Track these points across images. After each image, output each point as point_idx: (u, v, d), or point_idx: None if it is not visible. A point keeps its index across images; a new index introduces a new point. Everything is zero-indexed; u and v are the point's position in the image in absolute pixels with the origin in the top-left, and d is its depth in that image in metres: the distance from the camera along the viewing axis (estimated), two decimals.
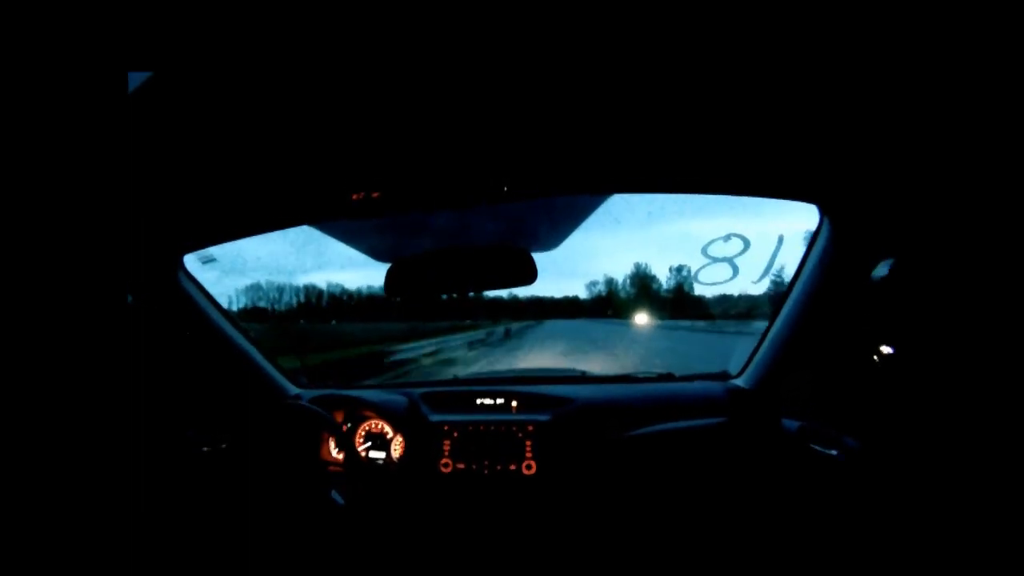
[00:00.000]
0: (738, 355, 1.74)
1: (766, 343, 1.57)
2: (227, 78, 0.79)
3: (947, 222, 1.01)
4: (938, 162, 0.97)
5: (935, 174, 0.99)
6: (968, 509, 0.97)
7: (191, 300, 1.58)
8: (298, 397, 1.83)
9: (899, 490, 1.10)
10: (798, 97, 0.87)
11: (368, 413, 1.70)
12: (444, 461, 1.57)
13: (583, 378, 1.91)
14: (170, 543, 1.38)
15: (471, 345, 19.83)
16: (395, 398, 1.74)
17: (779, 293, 1.52)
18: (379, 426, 1.70)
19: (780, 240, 1.64)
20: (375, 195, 1.25)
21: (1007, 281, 0.92)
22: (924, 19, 0.66)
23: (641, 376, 1.86)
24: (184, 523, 1.42)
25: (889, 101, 0.86)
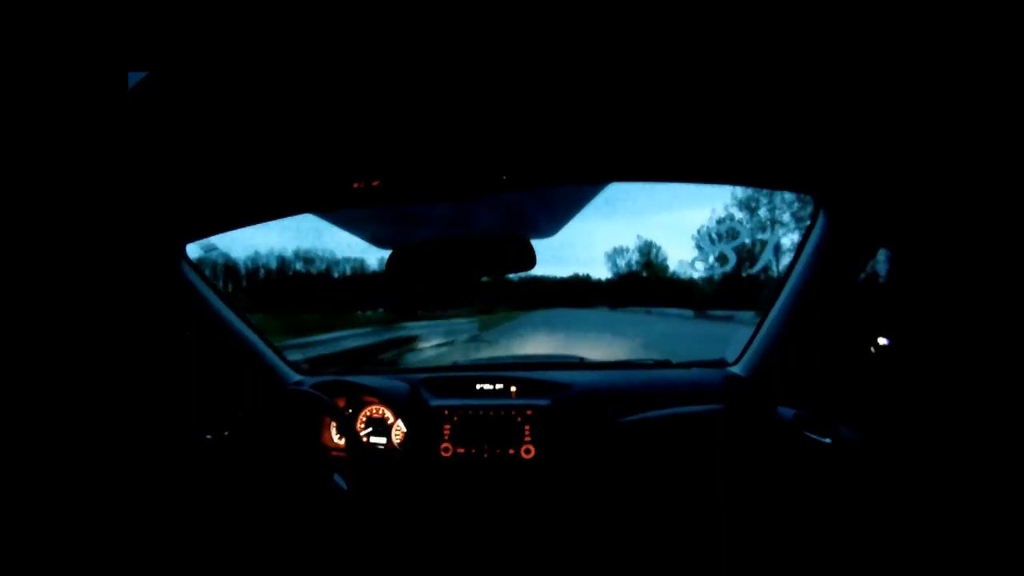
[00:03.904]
0: (735, 343, 1.76)
1: (762, 331, 1.59)
2: (228, 67, 0.80)
3: (944, 213, 1.01)
4: (935, 153, 0.97)
5: (932, 165, 1.00)
6: (962, 499, 0.99)
7: (194, 289, 1.59)
8: (300, 384, 1.85)
9: (893, 478, 1.12)
10: (795, 87, 0.87)
11: (369, 399, 1.72)
12: (444, 445, 1.60)
13: (582, 364, 1.93)
14: (174, 531, 1.40)
15: None
16: (396, 384, 1.76)
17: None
18: (380, 411, 1.72)
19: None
20: (376, 183, 1.26)
21: (1004, 274, 0.93)
22: (921, 10, 0.67)
23: (639, 363, 1.88)
24: (188, 511, 1.44)
25: (886, 92, 0.86)
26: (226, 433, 1.55)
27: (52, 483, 1.19)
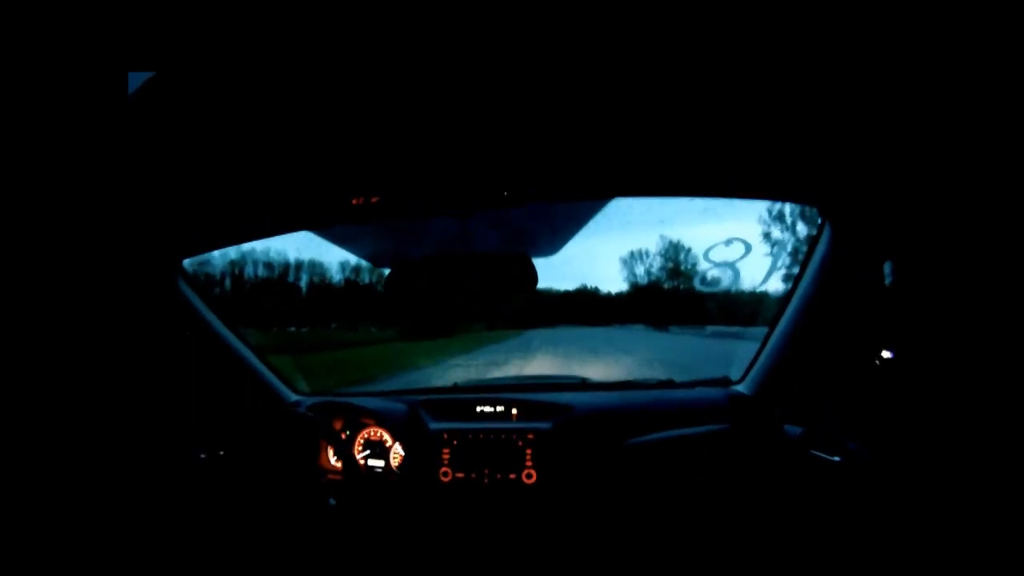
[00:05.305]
0: (739, 360, 1.73)
1: (767, 348, 1.56)
2: (227, 82, 0.79)
3: (949, 225, 1.00)
4: (940, 165, 0.97)
5: (937, 177, 0.99)
6: (969, 516, 0.96)
7: (190, 306, 1.57)
8: (297, 404, 1.82)
9: (901, 496, 1.09)
10: (798, 99, 0.87)
11: (367, 421, 1.69)
12: (444, 470, 1.56)
13: (583, 385, 1.90)
14: (167, 551, 1.36)
15: None
16: (394, 406, 1.73)
17: None
18: (378, 434, 1.69)
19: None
20: (374, 200, 1.25)
21: (1010, 286, 0.92)
22: (925, 19, 0.66)
23: (642, 383, 1.84)
24: (181, 532, 1.40)
25: (891, 104, 0.86)
26: (220, 452, 1.52)
27: (43, 496, 1.16)
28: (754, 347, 1.65)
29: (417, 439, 1.63)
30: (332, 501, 1.44)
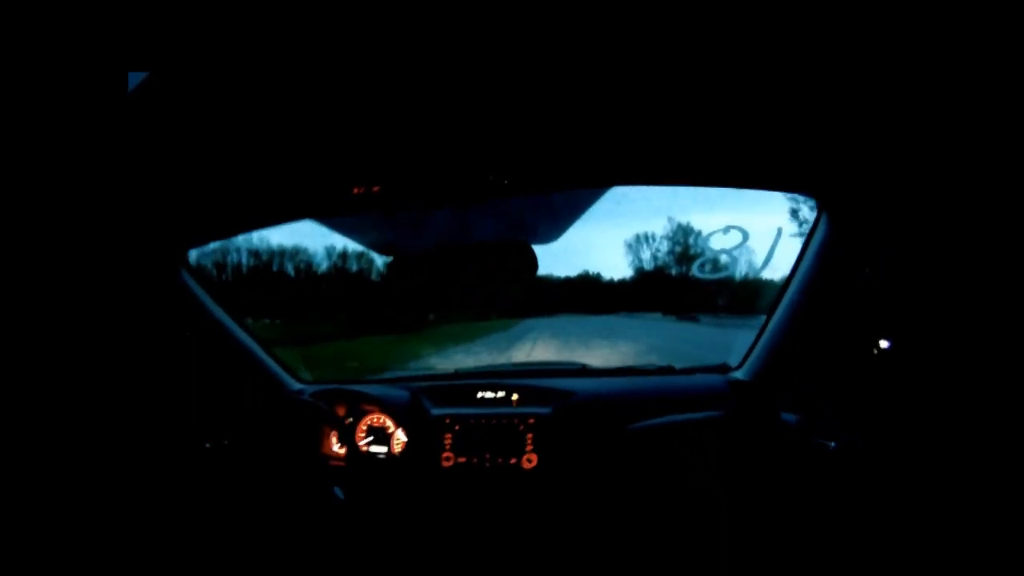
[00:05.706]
0: (738, 347, 1.75)
1: (765, 335, 1.58)
2: (229, 72, 0.80)
3: (946, 214, 1.01)
4: (936, 155, 0.97)
5: (934, 167, 0.99)
6: (964, 502, 0.98)
7: (194, 296, 1.58)
8: (300, 392, 1.84)
9: (897, 483, 1.11)
10: (795, 89, 0.87)
11: (369, 407, 1.71)
12: (445, 455, 1.58)
13: (584, 371, 1.92)
14: (172, 539, 1.39)
15: None
16: (396, 392, 1.75)
17: None
18: (380, 420, 1.71)
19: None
20: (376, 189, 1.25)
21: (1006, 276, 0.93)
22: (921, 10, 0.67)
23: (641, 369, 1.86)
24: (186, 519, 1.42)
25: (888, 93, 0.86)
26: (225, 441, 1.54)
27: (47, 488, 1.18)
28: (752, 334, 1.66)
29: (419, 425, 1.64)
30: (340, 494, 1.46)
